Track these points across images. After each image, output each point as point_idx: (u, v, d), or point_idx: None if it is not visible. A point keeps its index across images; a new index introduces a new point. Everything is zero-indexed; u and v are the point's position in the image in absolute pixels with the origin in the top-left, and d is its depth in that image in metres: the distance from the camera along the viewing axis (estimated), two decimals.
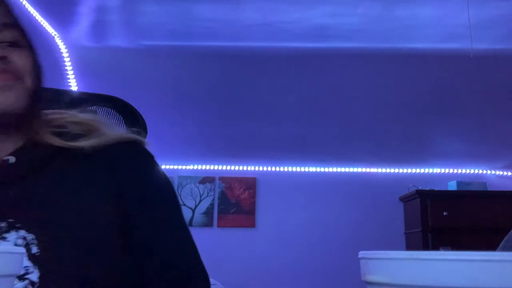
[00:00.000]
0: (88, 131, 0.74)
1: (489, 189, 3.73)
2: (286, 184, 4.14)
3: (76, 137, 0.72)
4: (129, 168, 0.73)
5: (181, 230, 0.74)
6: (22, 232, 0.64)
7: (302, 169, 4.08)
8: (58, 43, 3.67)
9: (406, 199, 3.85)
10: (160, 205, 0.74)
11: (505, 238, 1.14)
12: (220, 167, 4.27)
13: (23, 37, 0.72)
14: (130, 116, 0.99)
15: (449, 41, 3.76)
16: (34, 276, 0.63)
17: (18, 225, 0.64)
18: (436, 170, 4.03)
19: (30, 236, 0.64)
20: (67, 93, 1.07)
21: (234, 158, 4.30)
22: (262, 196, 4.18)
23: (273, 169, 4.08)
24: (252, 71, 3.92)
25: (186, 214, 4.18)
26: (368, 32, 3.68)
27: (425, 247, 3.47)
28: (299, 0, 3.24)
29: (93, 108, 0.98)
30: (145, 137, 0.84)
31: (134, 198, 0.71)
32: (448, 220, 3.51)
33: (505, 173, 4.04)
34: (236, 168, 4.25)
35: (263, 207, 4.17)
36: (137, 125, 0.95)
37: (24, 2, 3.16)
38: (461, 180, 3.75)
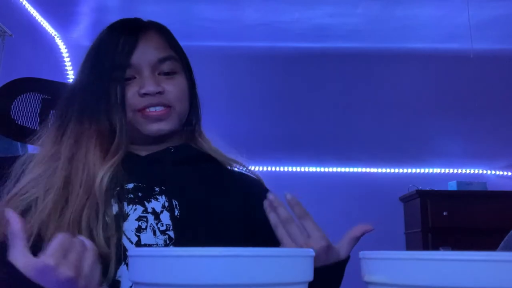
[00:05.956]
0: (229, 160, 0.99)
1: (489, 189, 3.72)
2: (286, 184, 4.13)
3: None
4: (260, 199, 0.92)
5: None
6: (169, 197, 0.85)
7: (302, 169, 4.08)
8: (58, 43, 3.67)
9: (406, 199, 3.85)
10: None
11: (505, 238, 1.14)
12: None
13: (178, 64, 0.92)
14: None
15: (449, 41, 3.76)
16: (173, 233, 0.83)
17: (168, 192, 0.86)
18: (436, 170, 4.03)
19: (175, 202, 0.85)
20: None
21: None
22: None
23: (273, 169, 4.08)
24: (252, 71, 3.92)
25: None
26: (368, 32, 3.68)
27: (425, 247, 3.46)
28: (299, 0, 3.24)
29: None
30: None
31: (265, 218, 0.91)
32: (448, 220, 3.50)
33: (505, 173, 4.04)
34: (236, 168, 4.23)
35: None
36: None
37: (24, 2, 3.16)
38: (461, 180, 3.73)
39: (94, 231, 0.77)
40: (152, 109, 0.87)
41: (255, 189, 0.98)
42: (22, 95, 1.20)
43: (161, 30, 0.94)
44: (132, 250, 0.41)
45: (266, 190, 0.98)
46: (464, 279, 0.34)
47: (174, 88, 0.89)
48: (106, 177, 0.81)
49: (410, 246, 3.74)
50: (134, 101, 0.86)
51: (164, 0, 3.21)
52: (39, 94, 1.21)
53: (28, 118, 1.19)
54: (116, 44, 0.88)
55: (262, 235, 0.90)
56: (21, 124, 1.18)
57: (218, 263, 0.36)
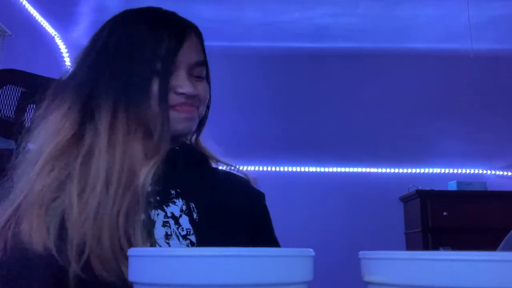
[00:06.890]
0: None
1: (489, 189, 3.73)
2: (286, 184, 4.13)
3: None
4: (257, 202, 0.99)
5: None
6: (186, 200, 0.83)
7: (302, 169, 4.08)
8: (58, 43, 3.67)
9: (406, 199, 3.85)
10: (269, 225, 1.00)
11: (505, 238, 1.14)
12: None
13: (205, 70, 0.93)
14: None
15: (449, 41, 3.76)
16: (194, 237, 0.80)
17: (184, 195, 0.84)
18: (436, 170, 4.03)
19: (192, 205, 0.83)
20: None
21: (234, 159, 4.29)
22: None
23: (273, 169, 4.08)
24: (252, 71, 3.92)
25: None
26: (368, 32, 3.68)
27: (425, 247, 3.46)
28: (299, 0, 3.24)
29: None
30: None
31: (261, 219, 0.97)
32: (448, 220, 3.50)
33: (505, 173, 4.04)
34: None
35: None
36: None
37: (24, 2, 3.16)
38: (461, 180, 3.74)
39: (132, 235, 0.73)
40: (185, 107, 0.86)
41: (248, 189, 0.98)
42: (4, 87, 1.17)
43: (199, 33, 0.93)
44: (131, 250, 0.41)
45: (255, 189, 1.00)
46: (464, 279, 0.34)
47: (204, 92, 0.91)
48: (150, 175, 0.77)
49: (410, 246, 3.75)
50: (169, 97, 0.84)
51: (164, 0, 3.21)
52: (18, 87, 1.18)
53: (6, 110, 1.16)
54: (160, 36, 0.85)
55: (260, 234, 0.93)
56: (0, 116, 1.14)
57: (218, 263, 0.36)
